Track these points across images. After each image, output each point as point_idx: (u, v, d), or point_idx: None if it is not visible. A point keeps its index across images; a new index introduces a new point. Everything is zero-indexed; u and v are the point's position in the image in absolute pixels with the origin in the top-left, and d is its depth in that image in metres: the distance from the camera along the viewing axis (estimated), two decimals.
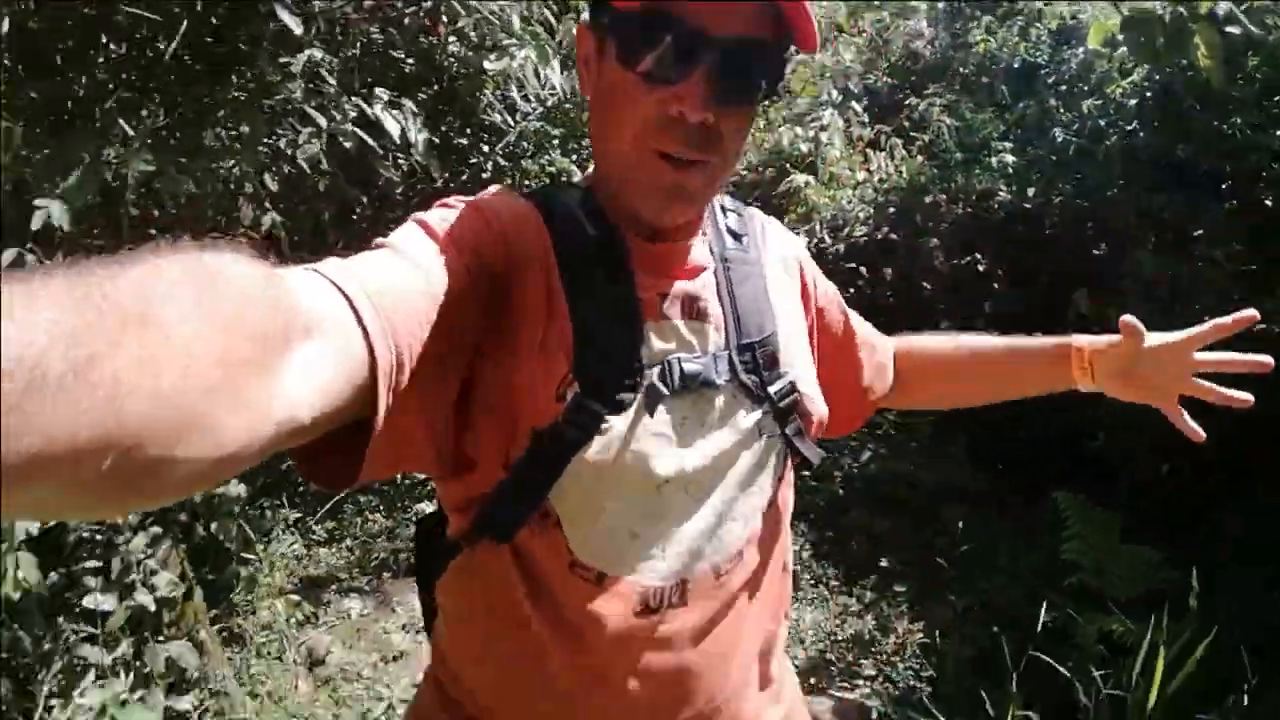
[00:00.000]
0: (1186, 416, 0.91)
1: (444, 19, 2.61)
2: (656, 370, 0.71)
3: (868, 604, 2.84)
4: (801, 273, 0.89)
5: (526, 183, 3.33)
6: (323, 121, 2.25)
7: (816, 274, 0.92)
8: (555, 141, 3.51)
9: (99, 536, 2.04)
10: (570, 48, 2.65)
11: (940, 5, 5.00)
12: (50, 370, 0.31)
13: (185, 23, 2.06)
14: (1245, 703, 1.79)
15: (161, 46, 2.15)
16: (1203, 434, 0.89)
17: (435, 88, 2.92)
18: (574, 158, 3.53)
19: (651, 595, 0.72)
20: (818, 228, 4.18)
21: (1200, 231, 2.90)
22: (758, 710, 0.82)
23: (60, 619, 1.93)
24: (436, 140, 2.75)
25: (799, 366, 0.81)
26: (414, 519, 2.74)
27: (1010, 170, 3.76)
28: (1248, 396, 0.87)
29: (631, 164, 0.70)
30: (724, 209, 0.84)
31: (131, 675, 1.99)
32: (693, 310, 0.75)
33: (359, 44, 2.53)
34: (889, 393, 1.05)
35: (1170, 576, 2.27)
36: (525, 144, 3.42)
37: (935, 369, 1.05)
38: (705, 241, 0.79)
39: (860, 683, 2.47)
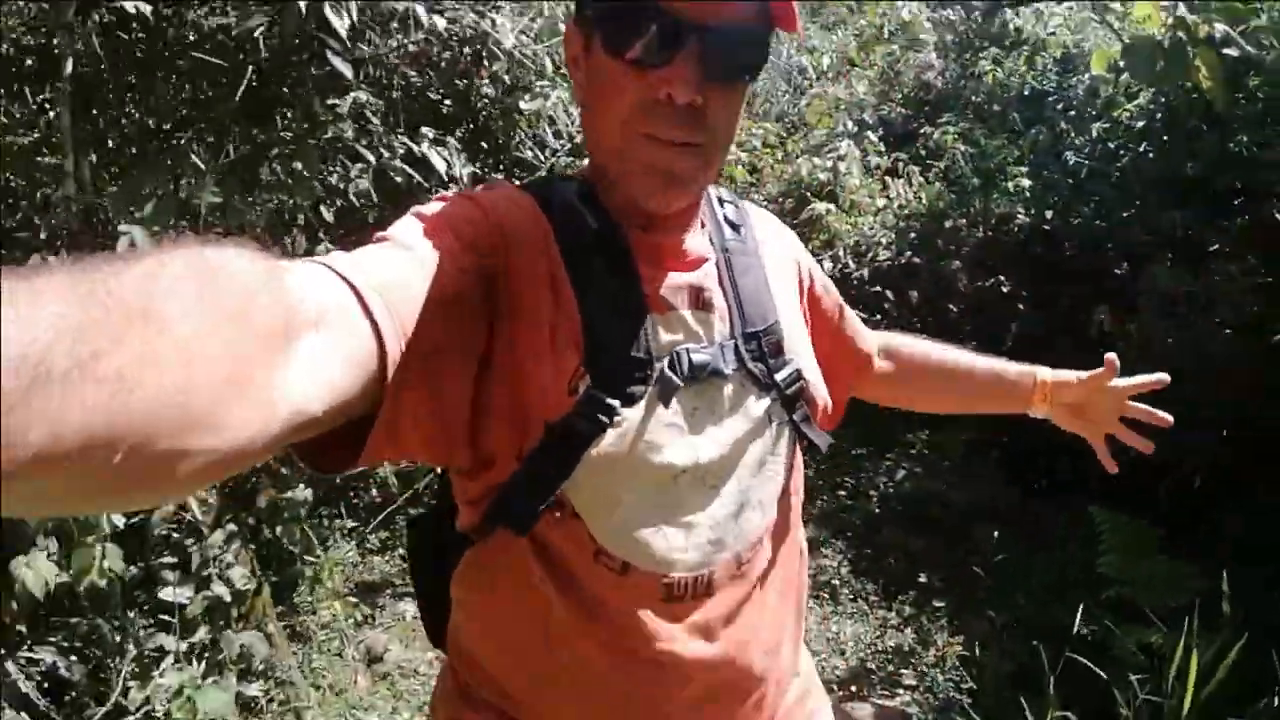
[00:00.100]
0: (1107, 451, 1.07)
1: (485, 63, 2.82)
2: (666, 361, 0.72)
3: (906, 618, 2.89)
4: (798, 264, 0.91)
5: None
6: (372, 158, 2.44)
7: (812, 264, 0.95)
8: None
9: (174, 536, 2.13)
10: None
11: (948, 38, 5.13)
12: (55, 366, 0.31)
13: (251, 68, 2.24)
14: (1276, 704, 1.85)
15: (223, 82, 2.32)
16: (1115, 466, 1.06)
17: (470, 126, 3.09)
18: None
19: (677, 585, 0.72)
20: (841, 253, 4.27)
21: (1215, 246, 2.98)
22: (780, 691, 0.84)
23: (131, 612, 2.02)
24: (479, 174, 2.95)
25: (802, 354, 0.82)
26: None
27: (1027, 194, 3.85)
28: (1149, 442, 1.04)
29: (623, 150, 0.71)
30: (721, 200, 0.85)
31: (204, 663, 2.08)
32: (699, 301, 0.76)
33: (400, 87, 2.73)
34: (864, 387, 1.09)
35: (1201, 586, 2.33)
36: None
37: (914, 376, 1.10)
38: (706, 233, 0.81)
39: (901, 691, 2.51)
